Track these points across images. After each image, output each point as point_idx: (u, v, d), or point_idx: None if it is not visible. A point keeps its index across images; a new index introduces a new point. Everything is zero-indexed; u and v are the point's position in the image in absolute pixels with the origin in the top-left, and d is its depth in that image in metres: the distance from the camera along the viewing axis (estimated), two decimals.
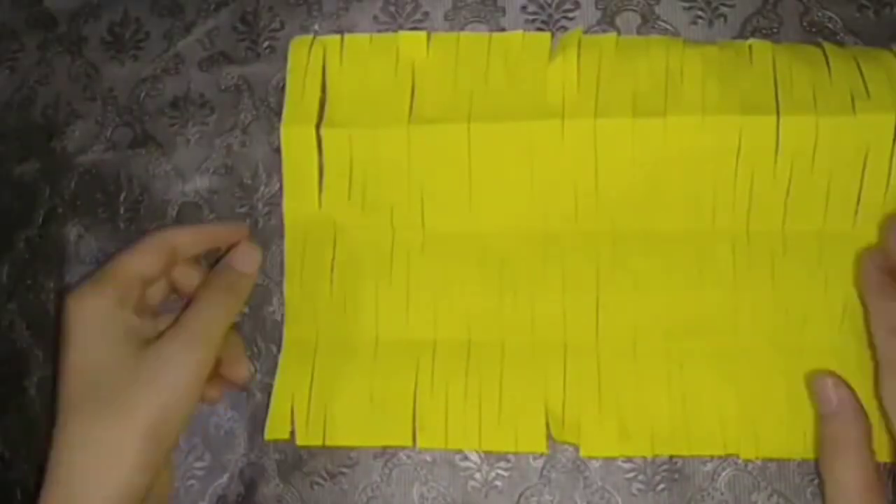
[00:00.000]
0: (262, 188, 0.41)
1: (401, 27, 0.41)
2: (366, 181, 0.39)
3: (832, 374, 0.34)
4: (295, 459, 0.39)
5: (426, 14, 0.41)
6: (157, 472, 0.33)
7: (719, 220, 0.37)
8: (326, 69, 0.40)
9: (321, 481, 0.39)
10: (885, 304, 0.33)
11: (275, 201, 0.41)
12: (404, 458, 0.38)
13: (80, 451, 0.32)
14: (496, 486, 0.37)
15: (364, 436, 0.38)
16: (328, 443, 0.38)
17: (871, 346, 0.33)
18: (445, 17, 0.40)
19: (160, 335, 0.34)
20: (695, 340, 0.36)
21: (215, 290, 0.35)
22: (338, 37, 0.40)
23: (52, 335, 0.42)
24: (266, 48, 0.42)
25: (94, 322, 0.33)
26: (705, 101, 0.36)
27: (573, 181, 0.37)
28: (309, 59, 0.40)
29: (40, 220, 0.43)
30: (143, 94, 0.43)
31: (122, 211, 0.42)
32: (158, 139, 0.42)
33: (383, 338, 0.38)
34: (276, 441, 0.39)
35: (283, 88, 0.41)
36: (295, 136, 0.39)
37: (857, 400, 0.33)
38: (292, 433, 0.38)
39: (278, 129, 0.41)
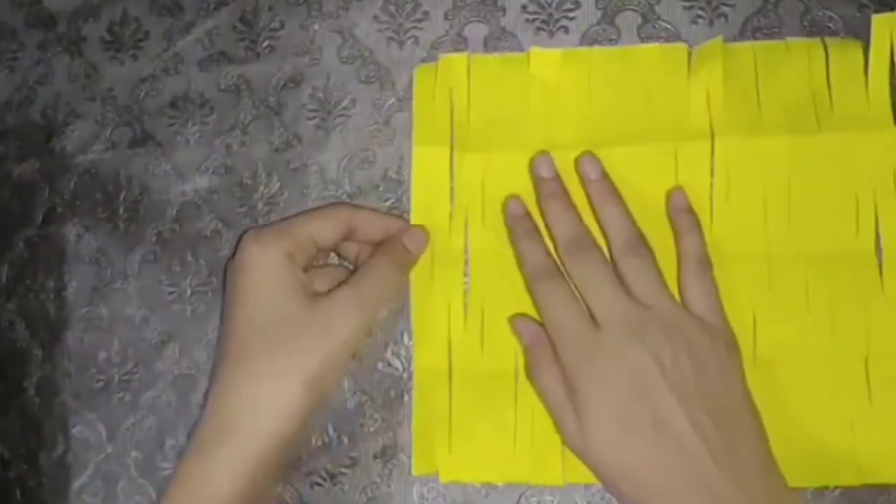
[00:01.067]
0: (261, 188, 0.41)
1: (401, 27, 0.41)
2: (500, 205, 0.38)
3: (525, 315, 0.37)
4: (295, 459, 0.39)
5: (426, 14, 0.41)
6: (309, 420, 0.34)
7: (888, 239, 0.36)
8: (453, 90, 0.39)
9: (321, 481, 0.39)
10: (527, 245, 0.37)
11: (274, 201, 0.41)
12: (404, 458, 0.38)
13: (242, 392, 0.34)
14: (496, 487, 0.37)
15: (513, 472, 0.37)
16: (475, 480, 0.37)
17: None
18: (445, 17, 0.40)
19: (329, 292, 0.35)
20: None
21: (386, 260, 0.37)
22: (464, 55, 0.39)
23: (52, 335, 0.42)
24: (266, 48, 0.42)
25: (271, 270, 0.35)
26: (858, 115, 0.36)
27: (726, 201, 0.37)
28: (436, 81, 0.39)
29: (40, 220, 0.43)
30: (142, 94, 0.43)
31: (121, 211, 0.42)
32: (158, 139, 0.42)
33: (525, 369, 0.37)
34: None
35: (283, 88, 0.41)
36: (428, 157, 0.39)
37: (544, 330, 0.36)
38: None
39: (278, 128, 0.41)
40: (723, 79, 0.37)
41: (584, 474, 0.35)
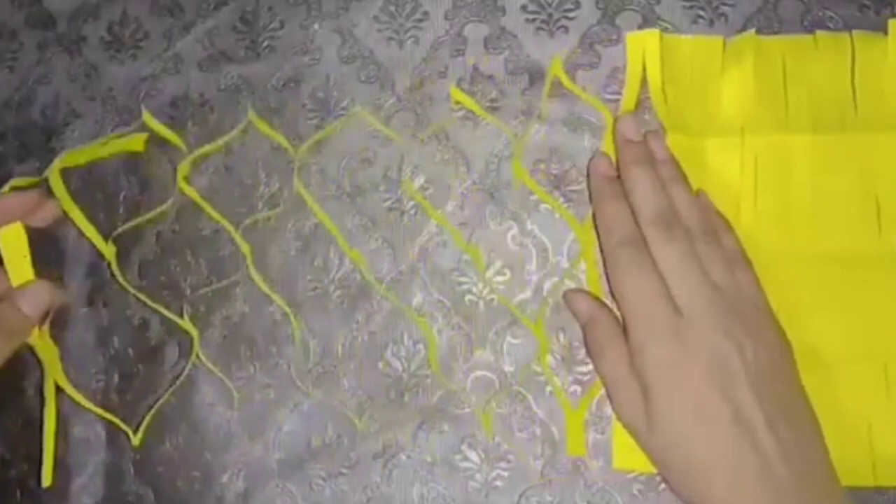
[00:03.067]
0: (261, 188, 0.41)
1: (401, 27, 0.41)
2: None
3: (579, 290, 0.37)
4: (295, 459, 0.39)
5: (426, 14, 0.41)
6: None
7: None
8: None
9: (321, 481, 0.39)
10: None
11: (274, 201, 0.41)
12: (404, 458, 0.38)
13: None
14: (496, 487, 0.37)
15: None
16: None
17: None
18: (445, 17, 0.40)
19: None
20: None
21: None
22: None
23: (52, 335, 0.42)
24: (265, 48, 0.42)
25: None
26: (881, 115, 0.36)
27: (752, 198, 0.36)
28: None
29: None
30: (142, 94, 0.43)
31: (121, 211, 0.42)
32: (158, 139, 0.42)
33: None
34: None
35: (282, 87, 0.41)
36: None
37: (605, 305, 0.36)
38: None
39: (278, 128, 0.41)
40: (754, 74, 0.37)
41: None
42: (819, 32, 0.37)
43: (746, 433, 0.31)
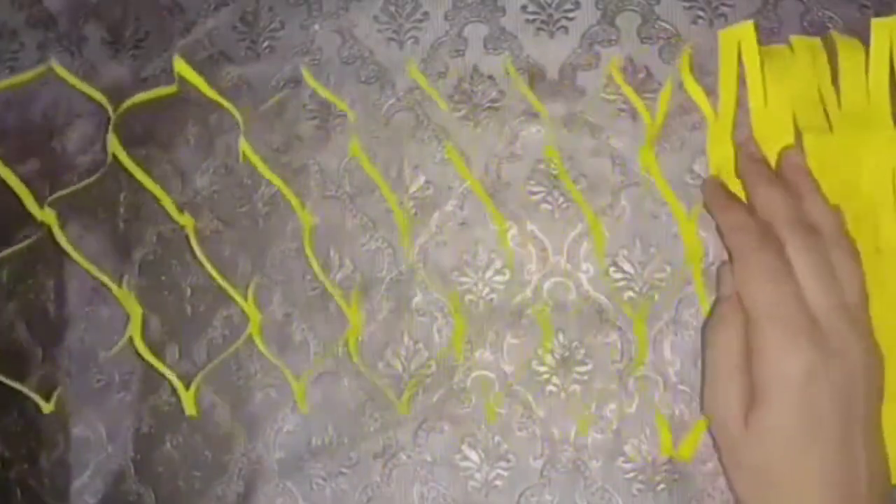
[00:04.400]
0: (262, 188, 0.41)
1: (401, 27, 0.41)
2: None
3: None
4: (295, 459, 0.39)
5: (426, 14, 0.41)
6: None
7: (887, 240, 0.36)
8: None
9: (321, 481, 0.39)
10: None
11: (274, 201, 0.41)
12: (404, 458, 0.38)
13: None
14: (496, 486, 0.37)
15: None
16: None
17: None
18: (445, 17, 0.40)
19: None
20: None
21: None
22: None
23: (52, 335, 0.42)
24: (265, 48, 0.42)
25: None
26: (858, 114, 0.36)
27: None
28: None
29: (40, 219, 0.43)
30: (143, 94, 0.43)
31: (121, 211, 0.42)
32: (158, 139, 0.42)
33: None
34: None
35: (283, 88, 0.41)
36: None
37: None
38: None
39: (277, 129, 0.41)
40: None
41: None
42: (794, 38, 0.37)
43: (850, 458, 0.31)
